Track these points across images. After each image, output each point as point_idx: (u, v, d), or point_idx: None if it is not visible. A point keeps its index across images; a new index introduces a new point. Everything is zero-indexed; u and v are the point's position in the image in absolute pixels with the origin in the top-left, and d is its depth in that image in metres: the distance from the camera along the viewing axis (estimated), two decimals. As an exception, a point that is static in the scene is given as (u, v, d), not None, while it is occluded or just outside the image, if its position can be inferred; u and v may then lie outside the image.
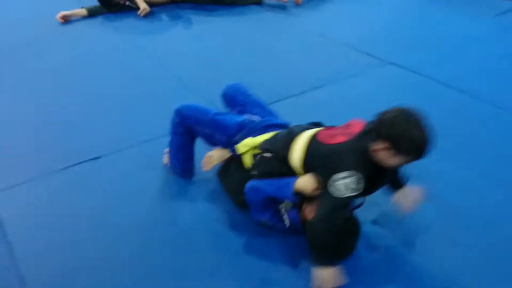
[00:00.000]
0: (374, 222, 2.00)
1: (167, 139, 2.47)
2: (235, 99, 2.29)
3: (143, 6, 4.20)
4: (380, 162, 1.68)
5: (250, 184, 1.90)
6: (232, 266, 1.86)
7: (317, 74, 3.18)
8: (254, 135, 2.02)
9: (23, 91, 3.20)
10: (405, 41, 3.58)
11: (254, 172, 1.93)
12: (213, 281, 1.80)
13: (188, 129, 2.17)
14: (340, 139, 1.75)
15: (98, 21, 4.26)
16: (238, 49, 3.63)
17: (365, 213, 1.95)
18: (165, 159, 2.38)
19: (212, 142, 2.19)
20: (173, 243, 1.97)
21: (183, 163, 2.27)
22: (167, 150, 2.35)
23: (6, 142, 2.68)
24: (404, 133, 1.60)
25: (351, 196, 1.66)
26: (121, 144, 2.58)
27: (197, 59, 3.50)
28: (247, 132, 2.05)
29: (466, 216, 2.03)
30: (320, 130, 1.87)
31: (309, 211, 1.84)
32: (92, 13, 4.26)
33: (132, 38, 3.92)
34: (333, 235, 1.68)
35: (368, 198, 1.91)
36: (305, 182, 1.78)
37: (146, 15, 4.23)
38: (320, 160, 1.74)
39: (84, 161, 2.47)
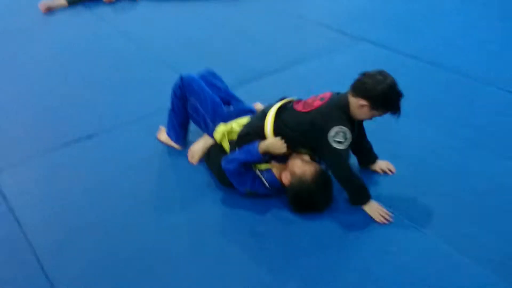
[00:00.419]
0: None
1: (156, 117, 2.66)
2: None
3: None
4: (356, 116, 1.97)
5: (224, 158, 2.11)
6: (225, 223, 2.06)
7: (296, 52, 3.38)
8: (227, 121, 2.27)
9: (15, 79, 3.32)
10: (376, 19, 3.79)
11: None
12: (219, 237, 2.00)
13: (184, 95, 2.36)
14: (318, 103, 1.99)
15: (79, 9, 4.37)
16: (220, 32, 3.80)
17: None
18: (159, 135, 2.56)
19: (197, 117, 2.38)
20: (163, 206, 2.16)
21: (177, 128, 2.44)
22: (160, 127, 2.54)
23: (3, 126, 2.82)
24: (379, 90, 1.89)
25: (349, 145, 1.94)
26: (112, 123, 2.74)
27: (180, 41, 3.65)
28: (221, 119, 2.28)
29: (433, 170, 2.25)
30: (295, 102, 2.11)
31: (285, 177, 2.05)
32: (71, 3, 4.37)
33: (115, 24, 4.05)
34: (356, 177, 1.99)
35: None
36: (270, 142, 2.04)
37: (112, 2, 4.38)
38: (307, 125, 1.99)
39: (79, 139, 2.63)
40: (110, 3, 4.40)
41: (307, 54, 3.33)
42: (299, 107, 2.06)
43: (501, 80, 2.86)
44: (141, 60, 3.45)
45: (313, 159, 2.11)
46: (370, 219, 2.00)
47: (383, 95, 1.89)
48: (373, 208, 2.01)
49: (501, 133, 2.45)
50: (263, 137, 2.10)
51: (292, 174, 2.03)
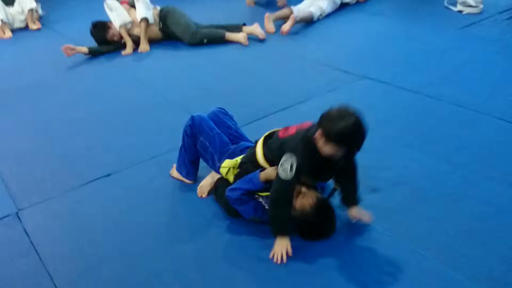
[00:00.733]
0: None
1: (170, 155, 2.83)
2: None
3: (130, 48, 4.68)
4: (320, 150, 1.97)
5: (228, 188, 2.24)
6: (231, 250, 2.18)
7: (299, 91, 3.55)
8: (232, 158, 2.40)
9: (38, 127, 3.54)
10: (377, 57, 3.96)
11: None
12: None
13: (194, 134, 2.52)
14: (291, 131, 2.14)
15: (99, 60, 4.66)
16: (229, 75, 4.01)
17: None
18: (171, 171, 2.72)
19: (206, 155, 2.53)
20: (174, 237, 2.30)
21: (187, 164, 2.60)
22: (173, 165, 2.70)
23: (26, 167, 3.02)
24: (334, 124, 1.89)
25: (292, 177, 1.97)
26: (129, 162, 2.91)
27: (192, 85, 3.87)
28: (227, 156, 2.43)
29: (431, 196, 2.35)
30: (281, 129, 2.24)
31: None
32: (92, 52, 4.66)
33: (132, 72, 4.31)
34: (283, 209, 2.03)
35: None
36: (269, 171, 2.17)
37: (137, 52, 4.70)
38: (278, 150, 2.11)
39: (98, 178, 2.80)
40: (128, 54, 4.67)
41: (310, 93, 3.50)
42: (280, 133, 2.19)
43: (496, 110, 2.98)
44: (156, 104, 3.66)
45: (313, 186, 2.22)
46: (372, 243, 2.10)
47: (340, 130, 1.87)
48: (280, 244, 2.06)
49: (496, 159, 2.55)
50: (256, 163, 2.24)
51: (293, 208, 2.12)
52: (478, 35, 4.13)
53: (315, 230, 2.12)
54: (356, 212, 2.19)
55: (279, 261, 2.04)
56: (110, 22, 4.72)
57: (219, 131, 2.54)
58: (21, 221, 2.53)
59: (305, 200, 2.10)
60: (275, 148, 2.16)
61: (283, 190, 2.03)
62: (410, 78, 3.51)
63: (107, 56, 4.72)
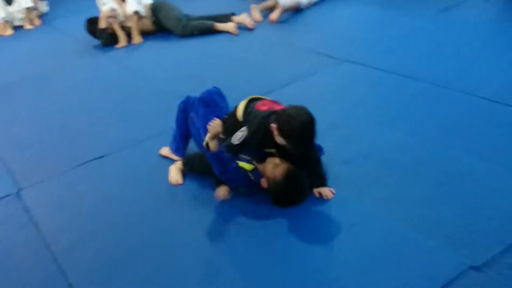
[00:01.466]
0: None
1: (159, 138, 3.03)
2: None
3: (123, 41, 4.89)
4: (274, 138, 2.26)
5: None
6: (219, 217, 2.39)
7: (283, 76, 3.74)
8: None
9: (36, 114, 3.79)
10: (359, 42, 4.13)
11: (225, 137, 2.48)
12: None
13: (186, 110, 2.75)
14: (263, 108, 2.36)
15: (95, 53, 4.88)
16: (218, 63, 4.20)
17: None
18: (160, 151, 2.92)
19: (193, 129, 2.72)
20: (163, 211, 2.50)
21: (177, 138, 2.80)
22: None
23: (26, 152, 3.25)
24: (287, 122, 2.17)
25: (233, 144, 2.36)
26: (121, 145, 3.12)
27: (183, 74, 4.08)
28: None
29: (396, 166, 2.53)
30: (261, 100, 2.47)
31: (263, 182, 2.35)
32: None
33: (125, 62, 4.54)
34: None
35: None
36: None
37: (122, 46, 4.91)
38: (246, 117, 2.41)
39: (92, 160, 3.02)
40: (122, 47, 4.88)
41: (294, 77, 3.68)
42: (257, 105, 2.42)
43: (466, 86, 3.15)
44: (148, 92, 3.86)
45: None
46: (338, 208, 2.30)
47: (291, 128, 2.16)
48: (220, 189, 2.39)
49: (461, 130, 2.73)
50: (235, 118, 2.51)
51: (267, 178, 2.33)
52: (455, 17, 4.29)
53: (286, 198, 2.32)
54: (320, 190, 2.40)
55: (220, 197, 2.37)
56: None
57: (208, 110, 2.73)
58: (21, 199, 2.75)
59: (276, 170, 2.29)
60: (246, 114, 2.44)
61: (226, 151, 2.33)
62: (388, 59, 3.68)
63: (102, 49, 4.93)
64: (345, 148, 2.72)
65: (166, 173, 2.77)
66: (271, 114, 2.31)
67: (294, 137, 2.19)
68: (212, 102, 2.80)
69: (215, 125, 2.30)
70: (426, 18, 4.37)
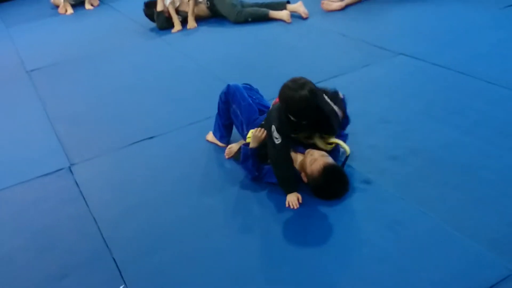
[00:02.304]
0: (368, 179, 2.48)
1: (207, 121, 3.06)
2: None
3: (177, 26, 4.95)
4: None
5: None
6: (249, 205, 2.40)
7: (334, 66, 3.68)
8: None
9: (93, 92, 3.92)
10: (416, 35, 4.01)
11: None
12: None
13: (228, 101, 2.75)
14: (277, 100, 2.33)
15: (151, 35, 4.99)
16: (269, 50, 4.20)
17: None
18: (207, 136, 2.95)
19: (236, 122, 2.75)
20: (204, 190, 2.54)
21: (221, 128, 2.83)
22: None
23: (79, 128, 3.37)
24: (288, 98, 2.17)
25: (281, 141, 2.28)
26: (170, 127, 3.19)
27: (233, 60, 4.10)
28: (254, 125, 2.61)
29: (446, 164, 2.45)
30: None
31: (303, 176, 2.36)
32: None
33: (179, 46, 4.61)
34: (281, 170, 2.35)
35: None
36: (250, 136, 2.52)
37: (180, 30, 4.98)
38: (268, 115, 2.42)
39: (142, 140, 3.10)
40: (177, 31, 4.95)
41: (345, 68, 3.62)
42: (274, 101, 2.42)
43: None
44: (199, 76, 3.91)
45: (325, 150, 2.38)
46: (383, 203, 2.26)
47: (291, 100, 2.15)
48: (290, 196, 2.33)
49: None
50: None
51: (305, 174, 2.33)
52: (520, 14, 4.09)
53: (325, 193, 2.31)
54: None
55: (293, 207, 2.30)
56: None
57: (250, 101, 2.73)
58: (72, 174, 2.86)
59: (314, 166, 2.28)
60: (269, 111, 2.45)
61: (276, 154, 2.33)
62: (444, 55, 3.55)
63: (158, 32, 5.03)
64: (394, 143, 2.66)
65: (212, 155, 2.81)
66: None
67: (296, 112, 2.18)
68: (250, 94, 2.79)
69: (259, 134, 2.42)
70: (489, 14, 4.19)
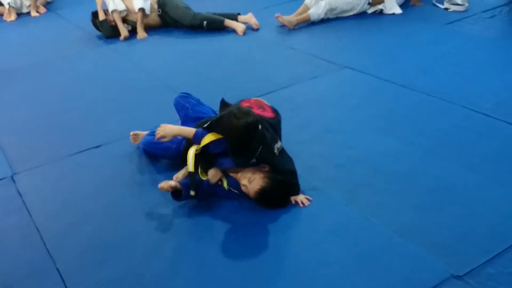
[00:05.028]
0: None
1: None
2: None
3: (123, 33, 4.90)
4: None
5: None
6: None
7: (283, 78, 3.76)
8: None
9: (37, 102, 3.81)
10: (362, 50, 4.16)
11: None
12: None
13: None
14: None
15: (98, 43, 4.92)
16: (220, 61, 4.23)
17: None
18: None
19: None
20: (156, 201, 2.52)
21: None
22: None
23: (23, 137, 3.28)
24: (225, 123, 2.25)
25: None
26: (117, 136, 3.13)
27: (184, 70, 4.10)
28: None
29: (388, 172, 2.55)
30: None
31: (243, 189, 2.35)
32: None
33: (128, 55, 4.56)
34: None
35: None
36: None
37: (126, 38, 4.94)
38: None
39: (88, 149, 3.04)
40: (125, 39, 4.91)
41: (293, 79, 3.70)
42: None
43: (462, 99, 3.17)
44: (148, 85, 3.89)
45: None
46: (328, 210, 2.32)
47: (231, 127, 2.21)
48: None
49: (455, 142, 2.75)
50: None
51: (245, 189, 2.33)
52: (459, 31, 4.31)
53: (266, 205, 2.34)
54: (295, 198, 2.38)
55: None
56: (107, 10, 4.95)
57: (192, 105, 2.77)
58: (15, 183, 2.77)
59: (252, 185, 2.29)
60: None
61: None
62: (388, 69, 3.70)
63: (106, 40, 4.96)
64: (339, 152, 2.74)
65: (159, 166, 2.80)
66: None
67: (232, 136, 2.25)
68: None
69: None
70: (431, 30, 4.39)
